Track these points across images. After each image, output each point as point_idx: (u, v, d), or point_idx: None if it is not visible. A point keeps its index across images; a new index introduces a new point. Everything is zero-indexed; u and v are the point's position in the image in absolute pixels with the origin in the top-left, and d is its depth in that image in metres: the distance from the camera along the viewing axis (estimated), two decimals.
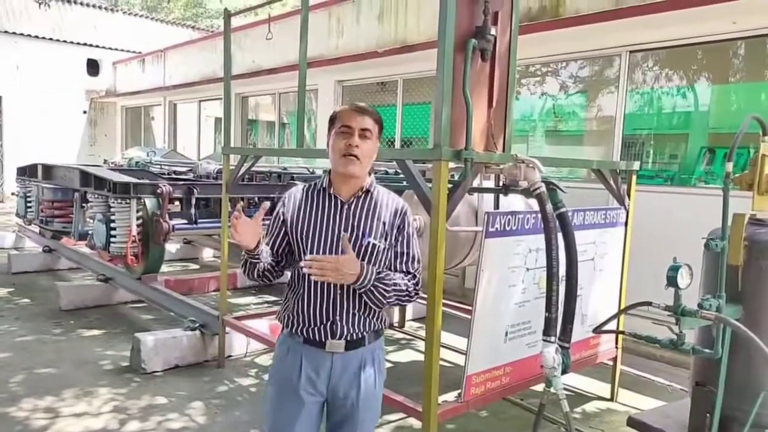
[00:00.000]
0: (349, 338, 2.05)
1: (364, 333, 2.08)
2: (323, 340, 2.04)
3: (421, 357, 5.27)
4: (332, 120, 2.08)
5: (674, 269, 2.43)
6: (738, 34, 5.30)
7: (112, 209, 5.60)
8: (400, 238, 2.10)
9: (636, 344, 4.78)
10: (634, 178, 4.22)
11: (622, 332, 2.97)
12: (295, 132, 11.65)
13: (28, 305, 6.39)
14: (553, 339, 2.82)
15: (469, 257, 4.30)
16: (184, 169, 8.23)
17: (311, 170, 5.48)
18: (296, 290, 2.09)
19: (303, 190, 2.14)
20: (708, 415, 2.75)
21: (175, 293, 5.60)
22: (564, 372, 2.88)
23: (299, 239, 2.07)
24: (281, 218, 2.12)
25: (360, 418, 2.11)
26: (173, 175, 7.62)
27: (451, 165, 3.10)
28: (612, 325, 3.39)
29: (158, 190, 5.50)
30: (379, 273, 2.00)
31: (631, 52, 6.03)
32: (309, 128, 10.84)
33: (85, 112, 16.92)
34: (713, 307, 2.51)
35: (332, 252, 2.02)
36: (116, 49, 17.28)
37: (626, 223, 4.17)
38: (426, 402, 2.93)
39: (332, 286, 2.01)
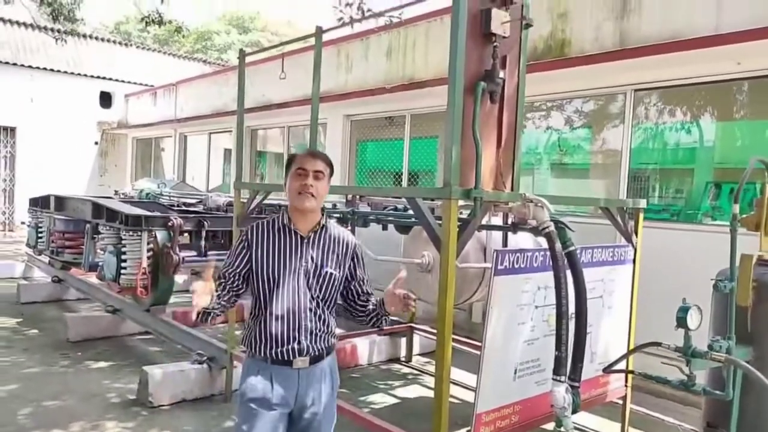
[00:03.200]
0: (312, 355, 2.32)
1: (324, 349, 2.37)
2: (291, 358, 2.29)
3: (428, 392, 5.24)
4: (289, 163, 2.36)
5: (684, 310, 2.44)
6: (742, 75, 5.38)
7: (123, 241, 5.67)
8: (358, 266, 2.44)
9: (645, 382, 4.74)
10: (641, 215, 4.25)
11: (632, 372, 2.97)
12: None
13: (36, 336, 6.40)
14: (563, 378, 2.82)
15: (478, 293, 4.31)
16: (193, 201, 8.32)
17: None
18: (261, 316, 2.32)
19: (262, 225, 2.37)
20: None
21: (183, 326, 5.61)
22: (574, 411, 2.88)
23: (262, 269, 2.30)
24: (246, 247, 2.33)
25: (322, 423, 2.39)
26: (183, 207, 7.70)
27: (461, 203, 3.15)
28: (622, 364, 3.38)
29: (169, 223, 5.57)
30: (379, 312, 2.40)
31: (636, 90, 6.13)
32: None
33: (96, 143, 17.18)
34: (723, 348, 2.52)
35: (297, 281, 2.29)
36: (129, 82, 17.62)
37: (634, 261, 4.19)
38: None
39: (296, 309, 2.29)
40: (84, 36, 17.41)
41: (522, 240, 4.29)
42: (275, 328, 2.28)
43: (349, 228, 4.97)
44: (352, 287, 2.44)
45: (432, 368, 5.89)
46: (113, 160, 17.45)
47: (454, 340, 5.78)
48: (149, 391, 4.51)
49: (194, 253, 6.00)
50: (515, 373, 3.35)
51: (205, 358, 4.84)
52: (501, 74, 3.08)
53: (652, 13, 5.84)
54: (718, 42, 5.13)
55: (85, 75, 16.87)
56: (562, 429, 2.80)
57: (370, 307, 2.44)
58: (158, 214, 5.93)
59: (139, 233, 5.55)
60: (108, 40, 18.56)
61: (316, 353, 2.33)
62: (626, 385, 4.22)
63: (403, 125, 8.89)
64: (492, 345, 3.14)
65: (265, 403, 2.28)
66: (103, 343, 6.19)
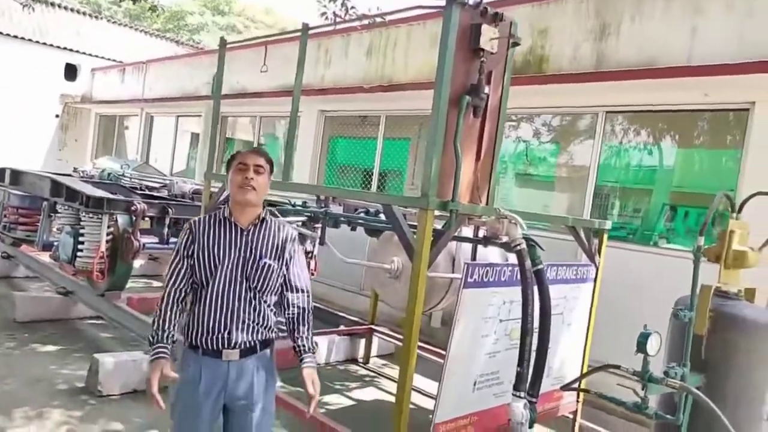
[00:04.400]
0: (242, 347, 2.35)
1: (257, 341, 2.38)
2: (220, 349, 2.32)
3: (384, 396, 5.25)
4: (230, 160, 2.46)
5: (644, 336, 2.51)
6: (709, 106, 5.58)
7: (82, 222, 5.48)
8: (293, 260, 2.48)
9: (595, 398, 4.87)
10: (605, 236, 4.36)
11: (588, 391, 3.04)
12: (273, 153, 11.68)
13: None
14: (523, 394, 2.87)
15: (444, 301, 4.34)
16: (157, 185, 8.10)
17: (292, 202, 5.48)
18: (197, 305, 2.37)
19: (204, 220, 2.44)
20: None
21: (138, 313, 5.46)
22: (530, 426, 2.93)
23: (204, 261, 2.36)
24: (189, 245, 2.39)
25: (256, 420, 2.39)
26: (146, 191, 7.50)
27: (435, 212, 3.16)
28: (581, 382, 3.45)
29: (132, 208, 5.40)
30: (307, 347, 2.44)
31: (608, 112, 6.28)
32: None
33: (57, 116, 16.56)
34: (678, 375, 2.60)
35: (235, 272, 2.35)
36: (96, 56, 17.04)
37: (595, 279, 4.29)
38: None
39: (231, 299, 2.34)
40: (52, 4, 16.78)
41: (491, 253, 4.34)
42: (208, 315, 2.33)
43: (320, 227, 4.94)
44: (285, 281, 2.48)
45: (389, 371, 5.92)
46: (74, 135, 16.86)
47: None
48: (99, 380, 4.37)
49: (155, 239, 5.84)
50: (475, 384, 3.39)
51: None
52: (486, 89, 3.10)
53: (630, 38, 5.99)
54: (689, 73, 5.32)
55: (51, 45, 16.25)
56: None
57: (294, 316, 2.46)
58: (121, 197, 5.75)
59: (100, 216, 5.37)
60: (77, 11, 17.91)
61: (248, 346, 2.36)
62: (578, 401, 4.32)
63: (376, 124, 8.88)
64: (455, 356, 3.17)
65: (192, 395, 2.33)
66: (51, 326, 5.97)
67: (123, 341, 5.71)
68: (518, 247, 2.98)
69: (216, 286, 2.34)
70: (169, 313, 2.36)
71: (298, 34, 4.50)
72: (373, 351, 6.23)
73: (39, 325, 5.92)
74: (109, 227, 5.46)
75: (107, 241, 5.43)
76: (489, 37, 3.07)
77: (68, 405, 4.18)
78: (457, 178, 3.02)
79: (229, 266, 2.35)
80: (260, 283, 2.38)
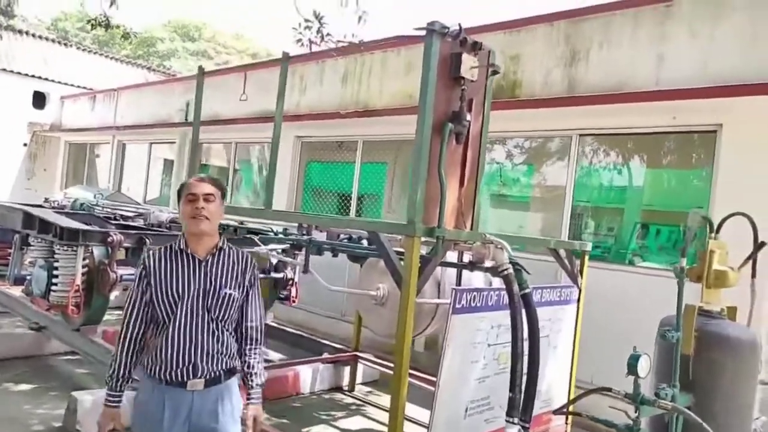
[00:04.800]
0: (207, 377, 2.33)
1: (222, 371, 2.37)
2: (185, 380, 2.30)
3: (372, 424, 5.19)
4: (180, 191, 2.42)
5: (635, 358, 2.55)
6: (676, 129, 5.75)
7: (56, 255, 5.33)
8: (253, 289, 2.48)
9: (583, 420, 4.88)
10: (587, 257, 4.43)
11: (580, 414, 3.06)
12: (248, 179, 11.60)
13: None
14: (516, 420, 2.87)
15: (431, 327, 4.34)
16: (131, 214, 7.96)
17: (273, 229, 5.44)
18: (160, 338, 2.32)
19: (159, 253, 2.40)
20: None
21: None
22: None
23: (164, 296, 2.32)
24: (146, 280, 2.35)
25: None
26: (121, 221, 7.36)
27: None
28: (572, 406, 3.46)
29: (108, 239, 5.28)
30: (256, 383, 2.45)
31: (581, 135, 6.43)
32: (261, 177, 10.83)
33: (25, 144, 16.23)
34: (669, 396, 2.63)
35: (196, 303, 2.32)
36: (66, 84, 16.80)
37: (578, 301, 4.34)
38: None
39: (195, 331, 2.31)
40: (20, 32, 16.54)
41: (474, 277, 4.36)
42: (172, 349, 2.29)
43: (303, 254, 4.91)
44: (242, 312, 2.47)
45: (375, 398, 5.85)
46: (42, 164, 16.51)
47: (391, 368, 5.83)
48: (77, 419, 4.22)
49: (132, 270, 5.71)
50: (466, 411, 3.38)
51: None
52: (468, 116, 3.16)
53: (599, 63, 6.17)
54: (657, 97, 5.49)
55: (18, 73, 15.98)
56: None
57: (248, 351, 2.47)
58: (96, 228, 5.62)
59: (75, 248, 5.23)
60: (46, 38, 17.69)
61: (213, 375, 2.35)
62: (567, 423, 4.33)
63: (354, 150, 8.92)
64: (446, 383, 3.16)
65: (153, 425, 2.29)
66: (24, 363, 5.77)
67: (99, 377, 5.52)
68: (505, 272, 3.01)
69: (178, 320, 2.31)
70: (125, 357, 2.36)
71: (274, 60, 4.52)
72: (358, 378, 6.16)
73: (11, 363, 5.71)
74: (84, 260, 5.33)
75: (83, 274, 5.29)
76: (469, 65, 3.14)
77: None
78: (442, 204, 3.05)
79: (190, 299, 2.32)
80: (222, 314, 2.37)
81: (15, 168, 16.09)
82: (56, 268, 5.30)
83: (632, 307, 5.37)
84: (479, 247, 3.16)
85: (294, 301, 6.18)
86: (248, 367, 2.45)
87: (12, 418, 4.45)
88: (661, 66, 5.71)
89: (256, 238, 6.25)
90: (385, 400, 5.81)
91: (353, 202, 8.83)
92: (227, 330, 2.40)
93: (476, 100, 3.28)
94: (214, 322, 2.35)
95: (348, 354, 6.10)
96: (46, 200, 9.40)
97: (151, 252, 2.42)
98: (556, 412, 3.02)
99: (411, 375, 5.56)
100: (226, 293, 2.36)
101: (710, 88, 5.21)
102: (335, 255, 5.06)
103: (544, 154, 7.20)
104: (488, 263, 3.36)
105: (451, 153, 3.19)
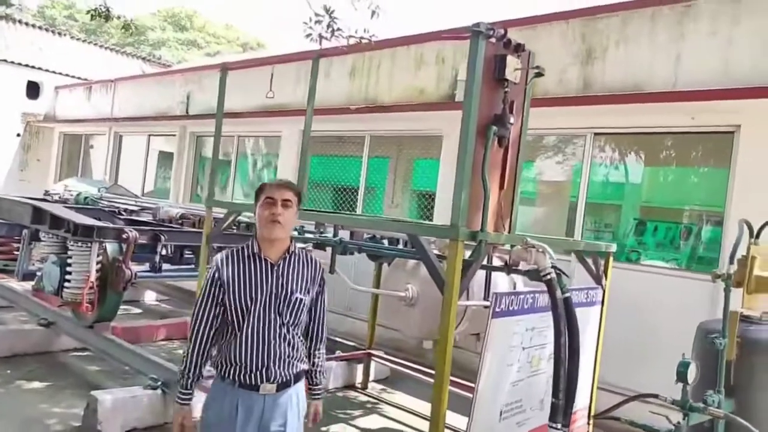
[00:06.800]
0: (279, 381, 2.36)
1: (292, 375, 2.40)
2: (257, 383, 2.33)
3: (389, 423, 5.19)
4: (258, 193, 2.42)
5: (684, 365, 2.54)
6: (695, 129, 5.76)
7: (69, 252, 5.24)
8: (322, 294, 2.52)
9: (601, 421, 4.91)
10: (611, 258, 4.43)
11: (618, 419, 3.07)
12: (244, 172, 11.48)
13: None
14: (560, 426, 2.86)
15: (458, 328, 4.32)
16: (135, 208, 7.86)
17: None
18: (231, 340, 2.36)
19: (232, 255, 2.41)
20: None
21: (130, 345, 5.26)
22: None
23: (237, 300, 2.33)
24: (218, 283, 2.37)
25: None
26: (127, 216, 7.26)
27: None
28: (614, 412, 3.44)
29: (124, 236, 5.21)
30: (320, 380, 2.57)
31: (596, 134, 6.42)
32: (271, 172, 10.76)
33: (18, 135, 15.96)
34: (716, 402, 2.64)
35: (268, 307, 2.34)
36: (59, 73, 16.53)
37: (602, 302, 4.34)
38: None
39: (267, 335, 2.33)
40: (13, 20, 16.23)
41: (500, 278, 4.35)
42: (245, 353, 2.32)
43: (326, 254, 4.86)
44: (311, 312, 2.51)
45: (388, 396, 5.85)
46: (36, 155, 16.25)
47: (405, 365, 5.82)
48: (98, 419, 4.16)
49: (145, 267, 5.64)
50: (501, 414, 3.37)
51: (160, 383, 4.55)
52: (511, 119, 3.13)
53: (616, 63, 6.16)
54: (677, 98, 5.50)
55: (12, 62, 15.68)
56: None
57: (315, 351, 2.55)
58: (110, 224, 5.55)
59: (89, 245, 5.15)
60: (39, 27, 17.37)
61: (284, 379, 2.38)
62: (588, 423, 4.35)
63: (360, 144, 8.86)
64: (485, 389, 3.15)
65: (228, 427, 2.32)
66: (34, 360, 5.68)
67: (112, 374, 5.47)
68: (548, 276, 2.99)
69: (250, 324, 2.33)
70: (196, 357, 2.40)
71: (279, 54, 4.47)
72: (371, 376, 6.14)
73: (21, 360, 5.62)
74: (98, 256, 5.25)
75: (97, 271, 5.21)
76: (513, 67, 3.11)
77: None
78: (485, 207, 3.02)
79: (262, 303, 2.34)
80: (292, 318, 2.39)
81: (8, 159, 15.82)
82: (69, 265, 5.24)
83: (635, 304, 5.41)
84: (520, 251, 3.14)
85: None
86: (314, 366, 2.54)
87: (30, 418, 4.37)
88: (679, 66, 5.72)
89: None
90: (398, 398, 5.81)
91: (360, 196, 8.79)
92: (297, 334, 2.43)
93: (517, 103, 3.25)
94: (285, 327, 2.37)
95: (361, 352, 6.08)
96: (47, 193, 9.25)
97: (222, 256, 2.42)
98: (598, 416, 3.02)
99: (419, 371, 5.61)
100: (297, 297, 2.38)
101: (730, 90, 5.22)
102: (351, 253, 4.99)
103: (559, 153, 7.19)
104: (525, 266, 3.35)
105: (492, 155, 3.16)
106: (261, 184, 2.46)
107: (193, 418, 2.43)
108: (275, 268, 2.38)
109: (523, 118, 3.36)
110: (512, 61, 3.10)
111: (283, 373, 2.36)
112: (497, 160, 3.22)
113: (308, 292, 2.44)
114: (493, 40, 3.03)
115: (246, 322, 2.33)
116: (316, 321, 2.53)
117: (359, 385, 6.03)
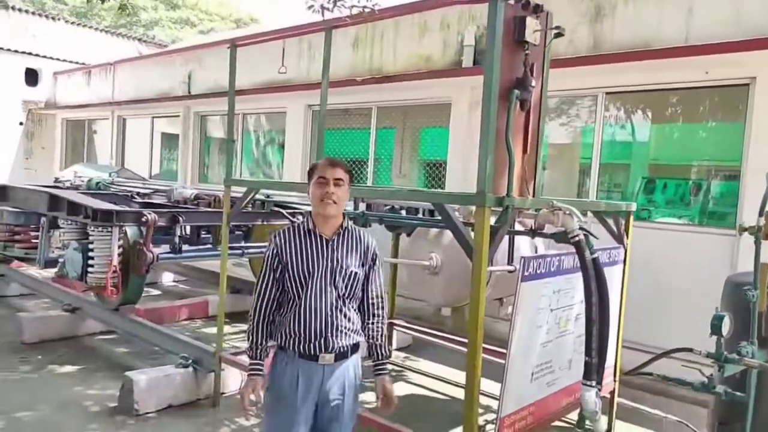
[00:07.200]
0: (337, 352, 2.47)
1: (349, 346, 2.51)
2: (316, 353, 2.44)
3: (415, 389, 5.28)
4: (311, 172, 2.55)
5: (719, 318, 2.57)
6: (709, 83, 5.69)
7: (90, 237, 5.29)
8: (374, 268, 2.62)
9: (627, 378, 4.96)
10: (631, 217, 4.43)
11: (650, 374, 3.12)
12: (247, 150, 11.45)
13: None
14: (593, 383, 2.91)
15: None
16: (147, 191, 7.88)
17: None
18: (290, 312, 2.48)
19: (289, 232, 2.54)
20: None
21: (159, 326, 5.34)
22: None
23: (295, 274, 2.47)
24: (277, 259, 2.50)
25: (345, 419, 2.54)
26: (140, 199, 7.29)
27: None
28: (646, 368, 3.48)
29: (143, 218, 5.24)
30: (382, 353, 2.62)
31: (608, 93, 6.36)
32: (275, 149, 10.72)
33: (21, 123, 15.90)
34: (750, 353, 2.67)
35: (324, 280, 2.46)
36: (57, 59, 16.37)
37: (624, 261, 4.37)
38: None
39: (324, 306, 2.45)
40: (5, 7, 16.00)
41: (522, 242, 4.36)
42: (304, 324, 2.44)
43: None
44: (365, 285, 2.60)
45: (412, 363, 5.94)
46: (40, 143, 16.22)
47: (426, 333, 5.89)
48: (135, 398, 4.26)
49: (166, 249, 5.68)
50: (532, 375, 3.42)
51: (191, 361, 4.63)
52: (533, 82, 3.10)
53: (625, 20, 6.06)
54: (689, 53, 5.42)
55: (9, 50, 15.53)
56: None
57: (371, 325, 2.61)
58: (129, 209, 5.58)
59: (110, 229, 5.20)
60: (33, 13, 17.14)
61: (342, 350, 2.48)
62: (615, 380, 4.42)
63: (368, 116, 8.81)
64: (516, 351, 3.19)
65: (286, 395, 2.45)
66: (62, 345, 5.79)
67: (140, 355, 5.57)
68: (576, 238, 3.01)
69: (309, 296, 2.45)
70: (261, 328, 2.52)
71: (286, 27, 4.41)
72: (393, 344, 6.23)
73: (49, 345, 5.73)
74: (119, 240, 5.30)
75: (119, 255, 5.27)
76: (533, 29, 3.07)
77: (107, 427, 4.07)
78: (510, 172, 3.02)
79: (319, 276, 2.46)
80: (348, 290, 2.51)
81: (13, 148, 15.81)
82: (91, 250, 5.29)
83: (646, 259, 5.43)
84: (546, 214, 3.15)
85: None
86: (372, 339, 2.61)
87: (66, 401, 4.47)
88: (691, 19, 5.62)
89: (285, 212, 6.24)
90: (421, 365, 5.90)
91: (370, 168, 8.78)
92: (353, 306, 2.54)
93: (537, 64, 3.22)
94: (341, 299, 2.48)
95: None
96: (57, 180, 9.28)
97: (280, 232, 2.55)
98: (630, 373, 3.07)
99: (443, 338, 5.69)
100: (351, 271, 2.50)
101: (745, 41, 5.14)
102: (369, 226, 5.01)
103: (571, 114, 7.13)
104: (550, 229, 3.36)
105: (515, 120, 3.14)
106: (312, 164, 2.58)
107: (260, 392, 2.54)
108: (330, 243, 2.51)
109: (543, 80, 3.32)
110: (532, 23, 3.06)
111: (340, 344, 2.46)
112: (519, 124, 3.20)
113: (362, 266, 2.56)
114: (511, 1, 2.99)
115: (304, 294, 2.44)
116: (371, 294, 2.60)
117: None
